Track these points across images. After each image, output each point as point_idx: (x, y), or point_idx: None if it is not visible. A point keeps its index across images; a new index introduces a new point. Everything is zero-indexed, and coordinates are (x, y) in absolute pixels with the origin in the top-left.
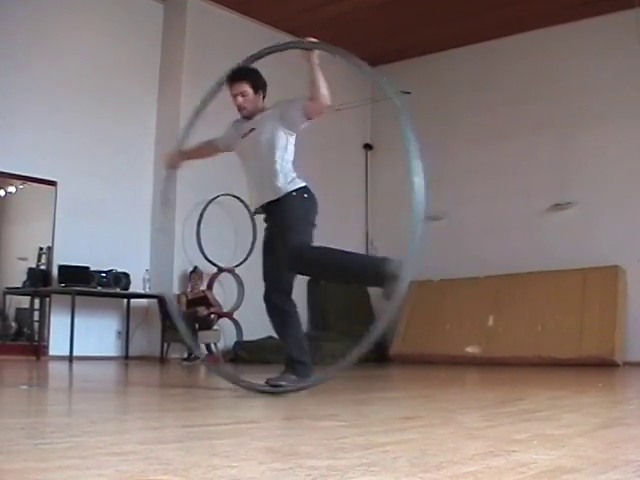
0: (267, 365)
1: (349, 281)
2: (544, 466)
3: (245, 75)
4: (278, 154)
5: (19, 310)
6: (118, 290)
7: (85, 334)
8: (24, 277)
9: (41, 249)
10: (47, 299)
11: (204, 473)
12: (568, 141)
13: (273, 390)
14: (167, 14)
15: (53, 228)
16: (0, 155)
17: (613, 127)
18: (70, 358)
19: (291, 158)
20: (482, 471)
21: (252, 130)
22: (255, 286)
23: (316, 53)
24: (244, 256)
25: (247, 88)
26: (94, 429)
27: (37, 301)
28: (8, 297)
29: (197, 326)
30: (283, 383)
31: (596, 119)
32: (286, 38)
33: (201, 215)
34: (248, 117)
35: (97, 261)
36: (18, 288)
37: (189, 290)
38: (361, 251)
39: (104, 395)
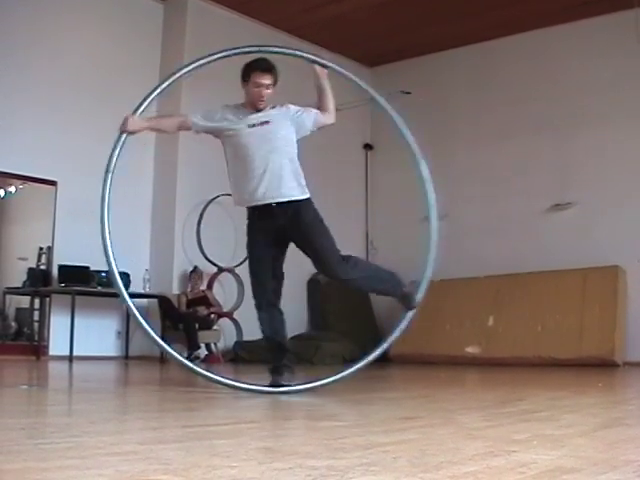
0: (267, 365)
1: (377, 294)
2: (544, 466)
3: (273, 68)
4: (293, 152)
5: (19, 310)
6: None
7: (85, 334)
8: (24, 277)
9: (41, 249)
10: (47, 299)
11: (204, 473)
12: (568, 141)
13: (270, 391)
14: (167, 14)
15: (53, 228)
16: (0, 155)
17: (613, 127)
18: (70, 358)
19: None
20: (482, 471)
21: (265, 123)
22: None
23: (326, 72)
24: (244, 256)
25: (272, 81)
26: (94, 429)
27: (37, 301)
28: (8, 297)
29: (197, 326)
30: (285, 383)
31: (596, 119)
32: (286, 38)
33: (201, 215)
34: (256, 109)
35: (97, 261)
36: (18, 288)
37: (189, 290)
38: (361, 251)
39: (104, 395)
